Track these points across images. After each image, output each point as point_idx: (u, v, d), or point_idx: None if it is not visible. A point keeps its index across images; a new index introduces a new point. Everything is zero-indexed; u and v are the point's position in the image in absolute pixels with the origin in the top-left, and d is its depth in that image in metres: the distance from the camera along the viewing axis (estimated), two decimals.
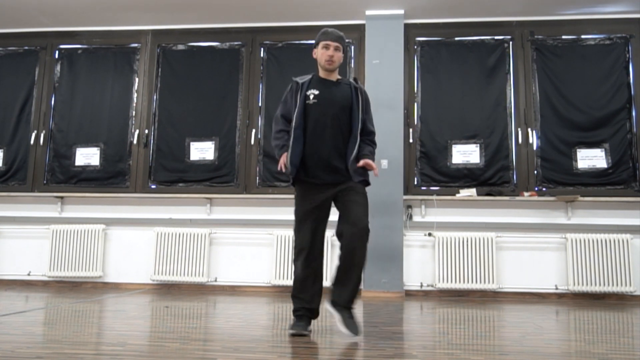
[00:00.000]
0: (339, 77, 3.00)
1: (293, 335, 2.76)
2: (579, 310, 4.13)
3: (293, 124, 2.84)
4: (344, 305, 2.77)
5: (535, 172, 5.21)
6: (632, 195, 5.02)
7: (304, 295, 2.83)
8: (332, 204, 2.90)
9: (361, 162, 2.82)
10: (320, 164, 2.83)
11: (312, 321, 2.92)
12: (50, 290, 5.03)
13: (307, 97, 2.88)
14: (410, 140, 5.34)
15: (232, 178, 5.51)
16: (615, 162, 5.11)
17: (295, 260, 2.86)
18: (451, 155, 5.29)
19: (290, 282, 5.06)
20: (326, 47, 2.89)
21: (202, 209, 5.46)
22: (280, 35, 5.68)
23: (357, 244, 2.72)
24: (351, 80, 3.00)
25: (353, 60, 5.57)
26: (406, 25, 5.43)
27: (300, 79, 2.94)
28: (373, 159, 2.91)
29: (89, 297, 4.46)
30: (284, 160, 2.82)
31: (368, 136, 2.95)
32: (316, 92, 2.88)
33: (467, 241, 5.01)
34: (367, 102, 2.99)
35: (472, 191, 5.10)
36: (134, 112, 5.72)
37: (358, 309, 3.96)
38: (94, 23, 5.78)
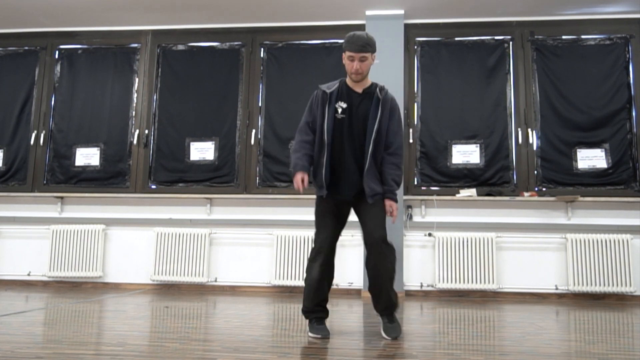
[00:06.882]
0: (369, 84, 2.84)
1: (321, 338, 2.72)
2: (579, 310, 4.13)
3: (325, 139, 2.76)
4: (381, 314, 2.86)
5: (535, 172, 5.21)
6: (632, 195, 5.02)
7: (321, 295, 2.83)
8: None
9: (387, 206, 2.79)
10: (344, 180, 2.80)
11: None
12: (50, 290, 5.03)
13: (335, 110, 2.78)
14: (410, 141, 5.34)
15: (232, 178, 5.51)
16: (615, 162, 5.11)
17: (311, 261, 2.83)
18: (451, 155, 5.29)
19: (290, 282, 5.10)
20: (351, 58, 2.72)
21: (202, 209, 5.46)
22: (280, 35, 5.68)
23: (376, 257, 2.73)
24: (377, 89, 2.81)
25: None
26: (406, 25, 5.43)
27: (327, 88, 2.82)
28: (398, 186, 2.83)
29: (89, 297, 4.46)
30: (300, 179, 2.69)
31: (388, 150, 2.82)
32: (344, 106, 2.78)
33: (467, 241, 5.01)
34: (392, 111, 2.82)
35: (472, 191, 5.10)
36: (134, 112, 5.72)
37: (359, 309, 3.96)
38: (94, 23, 5.78)
